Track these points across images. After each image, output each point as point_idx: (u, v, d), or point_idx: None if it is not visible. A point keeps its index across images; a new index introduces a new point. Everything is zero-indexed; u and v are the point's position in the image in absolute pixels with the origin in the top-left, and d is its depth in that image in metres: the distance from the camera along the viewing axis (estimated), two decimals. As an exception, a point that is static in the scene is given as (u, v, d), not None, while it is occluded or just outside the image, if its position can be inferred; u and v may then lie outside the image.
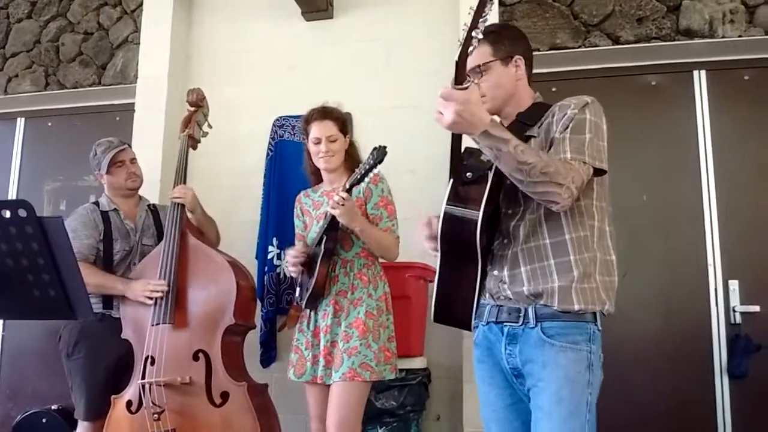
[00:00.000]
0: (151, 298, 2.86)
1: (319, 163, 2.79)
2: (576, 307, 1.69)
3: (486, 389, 1.87)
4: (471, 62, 1.80)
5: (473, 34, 1.49)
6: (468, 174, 1.70)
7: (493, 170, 1.69)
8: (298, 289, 2.80)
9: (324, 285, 2.66)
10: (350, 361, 2.55)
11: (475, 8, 1.47)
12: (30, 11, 4.67)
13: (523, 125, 1.81)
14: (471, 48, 1.53)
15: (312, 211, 2.85)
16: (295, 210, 2.96)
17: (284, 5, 3.97)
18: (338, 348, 2.61)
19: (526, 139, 1.78)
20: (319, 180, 2.91)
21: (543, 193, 1.63)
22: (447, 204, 1.68)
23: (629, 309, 3.37)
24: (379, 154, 2.39)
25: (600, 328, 1.75)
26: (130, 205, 3.20)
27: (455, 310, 1.76)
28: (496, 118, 1.78)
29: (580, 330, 1.71)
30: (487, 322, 1.83)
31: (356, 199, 2.66)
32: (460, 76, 1.54)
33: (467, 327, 1.78)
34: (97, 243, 3.02)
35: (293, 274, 2.76)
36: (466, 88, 1.53)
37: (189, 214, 3.12)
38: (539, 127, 1.80)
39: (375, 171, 2.43)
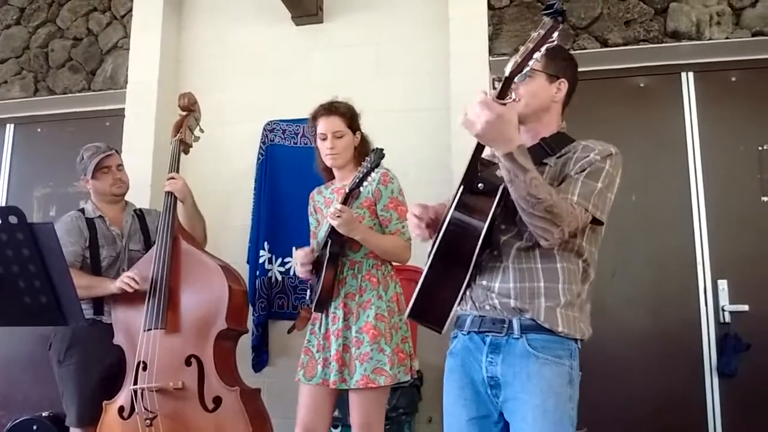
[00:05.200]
0: (130, 286, 2.84)
1: (326, 160, 2.74)
2: (560, 329, 1.71)
3: (452, 400, 1.88)
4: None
5: (535, 56, 1.44)
6: (479, 185, 1.69)
7: (502, 186, 1.69)
8: (308, 291, 2.76)
9: (331, 289, 2.61)
10: (363, 368, 2.51)
11: (544, 31, 1.41)
12: (19, 17, 4.65)
13: (543, 151, 1.81)
14: (526, 69, 1.49)
15: (323, 208, 2.78)
16: (308, 208, 2.90)
17: (274, 10, 3.98)
18: (351, 354, 2.57)
19: (542, 165, 1.79)
20: (331, 177, 2.85)
21: (538, 227, 1.65)
22: (454, 211, 1.68)
23: (619, 309, 3.39)
24: (376, 157, 2.38)
25: (580, 348, 1.77)
26: (116, 210, 3.19)
27: (433, 310, 1.76)
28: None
29: (563, 345, 1.73)
30: (469, 332, 1.83)
31: (365, 199, 2.63)
32: (504, 92, 1.50)
33: (438, 329, 1.78)
34: (83, 250, 3.01)
35: (302, 275, 2.72)
36: (505, 104, 1.51)
37: (179, 204, 3.12)
38: (557, 158, 1.80)
39: (372, 176, 2.42)
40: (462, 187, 1.70)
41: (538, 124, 1.86)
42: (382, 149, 2.40)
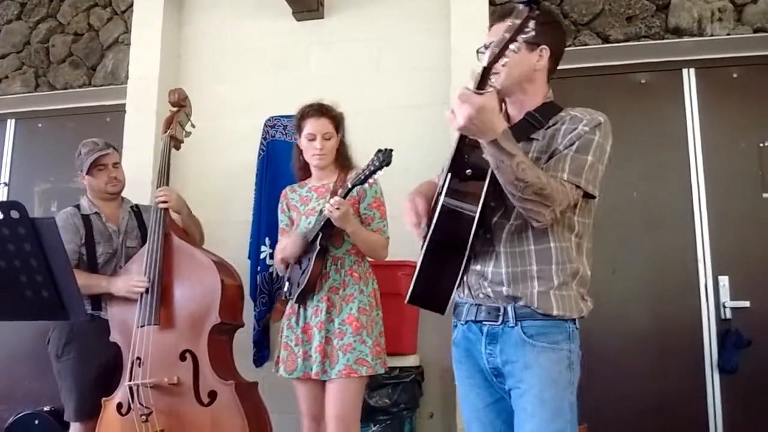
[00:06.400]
0: (136, 292, 2.85)
1: (312, 160, 2.81)
2: (555, 312, 1.70)
3: (466, 390, 1.87)
4: (496, 32, 1.75)
5: (511, 46, 1.43)
6: (468, 171, 1.68)
7: (491, 168, 1.68)
8: (287, 283, 2.80)
9: (317, 281, 2.67)
10: (346, 358, 2.58)
11: (519, 22, 1.41)
12: (19, 12, 4.64)
13: (530, 125, 1.79)
14: (504, 60, 1.47)
15: (299, 206, 2.86)
16: (280, 205, 2.95)
17: (275, 5, 3.97)
18: (333, 345, 2.63)
19: (529, 140, 1.77)
20: (306, 176, 2.92)
21: (529, 209, 1.63)
22: (445, 197, 1.66)
23: (620, 306, 3.39)
24: (386, 156, 2.41)
25: (578, 327, 1.76)
26: (112, 207, 3.19)
27: (432, 295, 1.75)
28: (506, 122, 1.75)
29: (559, 329, 1.72)
30: (466, 321, 1.83)
31: (350, 198, 2.67)
32: (483, 83, 1.49)
33: (441, 310, 1.77)
34: (79, 247, 3.01)
35: (291, 259, 2.74)
36: (486, 94, 1.50)
37: (175, 215, 3.11)
38: (545, 130, 1.78)
39: (381, 173, 2.44)
40: (450, 174, 1.69)
41: (522, 96, 1.82)
42: (391, 150, 2.42)
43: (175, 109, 3.29)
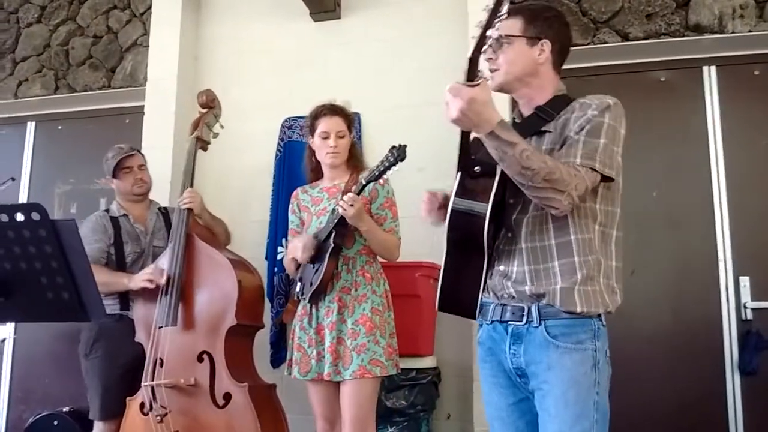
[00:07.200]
0: (151, 281, 2.87)
1: (326, 159, 2.80)
2: (578, 309, 1.67)
3: (489, 388, 1.86)
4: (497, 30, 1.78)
5: (488, 33, 1.45)
6: (476, 168, 1.67)
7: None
8: (299, 283, 2.79)
9: (330, 280, 2.66)
10: (360, 359, 2.56)
11: (492, 6, 1.42)
12: (40, 16, 4.70)
13: (540, 119, 1.77)
14: (486, 46, 1.49)
15: (311, 207, 2.85)
16: (291, 206, 2.95)
17: (292, 6, 3.98)
18: (345, 346, 2.61)
19: (542, 134, 1.76)
20: (317, 177, 2.92)
21: (543, 198, 1.61)
22: (455, 197, 1.66)
23: (640, 306, 3.36)
24: (400, 152, 2.40)
25: (604, 323, 1.73)
26: (140, 209, 3.25)
27: (460, 299, 1.74)
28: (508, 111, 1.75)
29: (584, 328, 1.69)
30: (492, 321, 1.81)
31: (362, 197, 2.66)
32: (472, 74, 1.50)
33: (471, 316, 1.76)
34: (108, 247, 3.07)
35: (303, 261, 2.71)
36: (476, 86, 1.49)
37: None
38: (557, 121, 1.76)
39: (396, 168, 2.43)
40: (459, 174, 1.68)
41: (528, 90, 1.81)
42: (405, 146, 2.42)
43: (204, 110, 3.30)
